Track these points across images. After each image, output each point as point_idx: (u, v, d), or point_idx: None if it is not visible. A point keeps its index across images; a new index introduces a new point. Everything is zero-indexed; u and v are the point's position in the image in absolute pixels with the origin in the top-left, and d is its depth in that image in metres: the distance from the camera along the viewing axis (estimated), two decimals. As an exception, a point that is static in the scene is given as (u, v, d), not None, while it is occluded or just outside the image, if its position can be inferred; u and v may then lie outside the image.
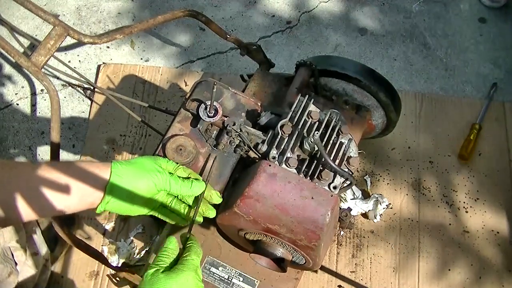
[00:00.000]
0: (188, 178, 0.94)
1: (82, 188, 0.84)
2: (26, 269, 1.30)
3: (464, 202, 1.58)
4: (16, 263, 1.26)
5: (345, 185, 0.98)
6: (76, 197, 0.84)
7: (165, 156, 0.97)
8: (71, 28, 1.06)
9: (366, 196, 1.57)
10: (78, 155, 1.68)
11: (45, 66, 1.07)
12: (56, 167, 0.83)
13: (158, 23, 1.20)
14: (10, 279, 1.22)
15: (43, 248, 1.39)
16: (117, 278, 1.46)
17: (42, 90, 1.83)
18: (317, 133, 1.00)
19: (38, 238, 1.38)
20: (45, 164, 0.84)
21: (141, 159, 0.90)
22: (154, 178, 0.88)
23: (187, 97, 1.06)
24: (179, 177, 0.93)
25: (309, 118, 1.03)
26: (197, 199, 0.95)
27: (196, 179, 0.95)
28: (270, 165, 0.95)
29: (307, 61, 1.26)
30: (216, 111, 1.00)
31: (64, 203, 0.83)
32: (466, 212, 1.56)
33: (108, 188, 0.85)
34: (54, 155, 1.05)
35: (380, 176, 1.62)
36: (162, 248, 0.87)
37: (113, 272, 1.47)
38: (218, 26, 1.28)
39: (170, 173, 0.92)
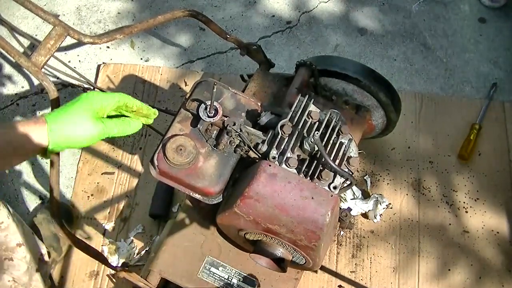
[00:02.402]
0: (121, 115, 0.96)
1: (22, 150, 0.84)
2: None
3: (464, 202, 1.58)
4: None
5: (345, 185, 0.98)
6: (16, 159, 0.87)
7: (165, 155, 0.97)
8: (71, 28, 1.06)
9: (366, 196, 1.57)
10: (77, 155, 1.69)
11: (45, 66, 1.07)
12: None
13: (158, 23, 1.20)
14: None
15: (42, 248, 1.39)
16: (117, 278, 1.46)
17: (42, 90, 1.83)
18: (317, 133, 1.00)
19: (36, 238, 1.39)
20: None
21: (74, 116, 0.88)
22: (92, 137, 0.89)
23: (187, 97, 1.06)
24: (117, 116, 0.95)
25: (309, 118, 1.03)
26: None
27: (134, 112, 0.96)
28: (270, 165, 0.95)
29: (307, 61, 1.26)
30: (216, 111, 1.00)
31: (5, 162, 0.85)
32: (466, 212, 1.56)
33: (49, 151, 0.86)
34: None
35: (380, 176, 1.62)
36: None
37: (113, 272, 1.47)
38: (218, 26, 1.28)
39: (108, 116, 0.93)
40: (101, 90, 1.69)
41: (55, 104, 1.03)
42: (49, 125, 0.84)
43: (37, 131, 0.83)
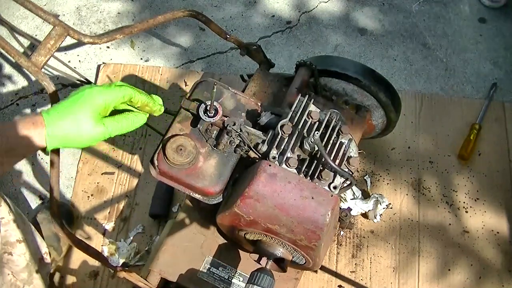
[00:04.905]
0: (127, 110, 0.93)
1: (19, 151, 0.82)
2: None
3: (464, 202, 1.58)
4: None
5: (345, 185, 0.98)
6: (14, 160, 0.84)
7: (165, 155, 0.97)
8: (71, 28, 1.06)
9: (366, 196, 1.57)
10: (77, 155, 1.69)
11: (45, 66, 1.07)
12: None
13: (158, 23, 1.20)
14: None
15: (43, 247, 1.39)
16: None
17: (42, 90, 1.83)
18: (317, 133, 1.00)
19: (38, 237, 1.39)
20: None
21: (74, 116, 0.83)
22: (92, 139, 0.86)
23: (187, 97, 1.06)
24: (118, 112, 0.91)
25: (309, 118, 1.03)
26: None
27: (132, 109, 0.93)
28: (270, 165, 0.95)
29: (307, 61, 1.26)
30: (216, 111, 1.00)
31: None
32: (466, 212, 1.56)
33: (47, 151, 0.85)
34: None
35: (380, 176, 1.62)
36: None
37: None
38: (218, 26, 1.28)
39: (109, 115, 0.89)
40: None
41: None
42: (47, 127, 0.81)
43: (35, 133, 0.81)
